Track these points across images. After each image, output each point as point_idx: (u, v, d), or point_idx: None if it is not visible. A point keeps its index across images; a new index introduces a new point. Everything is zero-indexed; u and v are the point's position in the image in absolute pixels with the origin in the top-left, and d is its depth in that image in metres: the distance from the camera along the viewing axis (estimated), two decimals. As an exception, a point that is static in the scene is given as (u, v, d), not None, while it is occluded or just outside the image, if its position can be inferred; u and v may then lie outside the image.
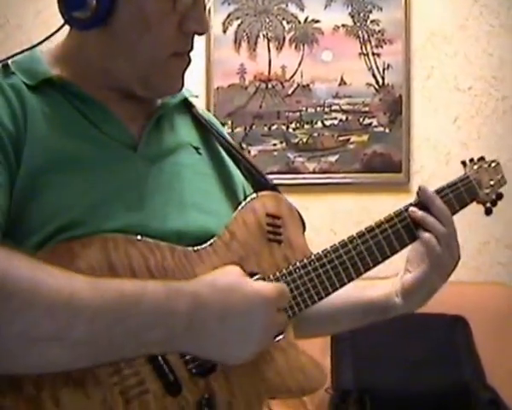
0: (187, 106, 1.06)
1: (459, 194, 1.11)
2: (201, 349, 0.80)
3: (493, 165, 1.22)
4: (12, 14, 2.77)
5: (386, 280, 1.09)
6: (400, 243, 1.04)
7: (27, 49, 0.91)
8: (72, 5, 0.86)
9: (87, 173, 0.86)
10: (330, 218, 2.69)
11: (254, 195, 1.00)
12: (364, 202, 2.69)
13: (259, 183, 1.05)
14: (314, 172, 2.69)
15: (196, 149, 1.01)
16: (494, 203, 1.21)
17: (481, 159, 1.23)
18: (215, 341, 0.79)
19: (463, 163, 1.22)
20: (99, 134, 0.90)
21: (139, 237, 0.85)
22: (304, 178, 2.68)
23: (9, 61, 0.91)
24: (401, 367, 2.29)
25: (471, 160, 1.22)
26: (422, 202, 1.05)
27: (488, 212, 1.21)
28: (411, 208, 1.05)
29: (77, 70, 0.93)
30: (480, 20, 2.68)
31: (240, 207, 0.97)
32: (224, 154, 1.06)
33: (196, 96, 1.09)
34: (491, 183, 1.20)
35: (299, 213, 1.04)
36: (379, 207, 2.64)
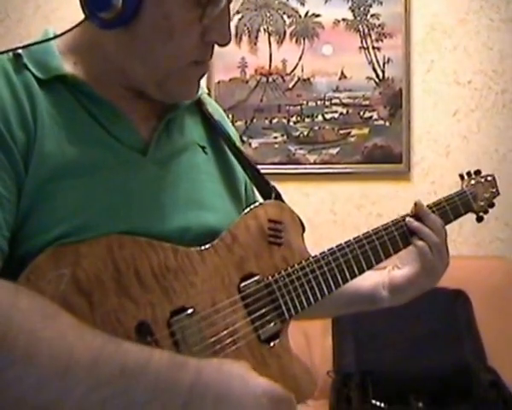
0: (197, 103, 1.06)
1: (455, 207, 1.22)
2: None
3: (489, 179, 1.32)
4: (12, 9, 2.78)
5: (375, 272, 1.13)
6: (394, 248, 1.12)
7: (42, 42, 0.87)
8: (97, 5, 0.84)
9: (95, 179, 0.85)
10: (330, 201, 2.71)
11: (258, 203, 1.02)
12: (365, 189, 2.72)
13: (264, 189, 1.07)
14: (315, 163, 2.71)
15: (203, 148, 1.01)
16: (486, 212, 1.30)
17: (478, 172, 1.31)
18: None
19: (461, 176, 1.31)
20: (108, 138, 0.88)
21: (144, 238, 0.84)
22: (305, 168, 2.70)
23: (21, 51, 0.87)
24: (402, 347, 2.30)
25: (468, 173, 1.31)
26: (418, 215, 1.14)
27: (479, 219, 1.30)
28: (408, 219, 1.14)
29: (90, 64, 0.90)
30: (479, 14, 2.70)
31: (243, 213, 0.98)
32: (229, 153, 1.07)
33: (209, 94, 1.09)
34: (486, 196, 1.29)
35: (300, 219, 1.05)
36: (379, 193, 2.68)
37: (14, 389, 0.67)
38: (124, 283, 0.81)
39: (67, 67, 0.89)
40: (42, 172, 0.81)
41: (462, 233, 2.65)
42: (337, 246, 1.04)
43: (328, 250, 1.02)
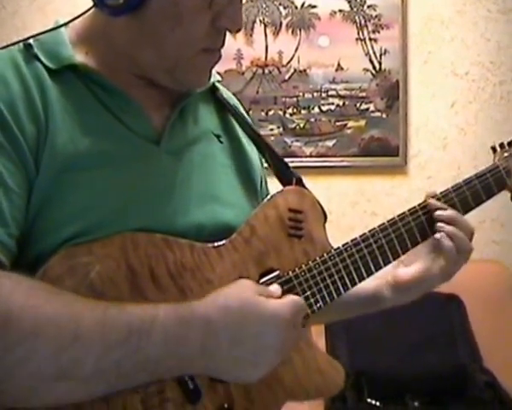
0: (211, 90, 1.03)
1: (487, 184, 1.09)
2: (214, 371, 0.79)
3: None
4: (8, 1, 2.75)
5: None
6: (422, 236, 1.03)
7: (51, 31, 0.88)
8: None
9: (108, 172, 0.83)
10: (326, 198, 2.68)
11: (278, 190, 0.98)
12: (361, 184, 2.70)
13: (284, 173, 1.02)
14: (311, 156, 2.69)
15: (218, 136, 0.99)
16: None
17: (511, 144, 1.18)
18: (228, 363, 0.78)
19: (493, 149, 1.18)
20: (121, 128, 0.87)
21: (159, 235, 0.83)
22: (301, 162, 2.67)
23: (32, 41, 0.87)
24: (397, 349, 2.29)
25: (501, 145, 1.18)
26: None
27: None
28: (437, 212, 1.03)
29: (101, 53, 0.89)
30: (477, 4, 2.67)
31: (263, 202, 0.95)
32: (244, 140, 1.04)
33: (219, 81, 1.05)
34: None
35: (321, 206, 1.02)
36: (375, 188, 2.66)
37: (27, 364, 0.69)
38: (138, 283, 0.80)
39: (78, 56, 0.88)
40: (54, 165, 0.80)
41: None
42: (361, 236, 0.98)
43: (352, 241, 0.97)
